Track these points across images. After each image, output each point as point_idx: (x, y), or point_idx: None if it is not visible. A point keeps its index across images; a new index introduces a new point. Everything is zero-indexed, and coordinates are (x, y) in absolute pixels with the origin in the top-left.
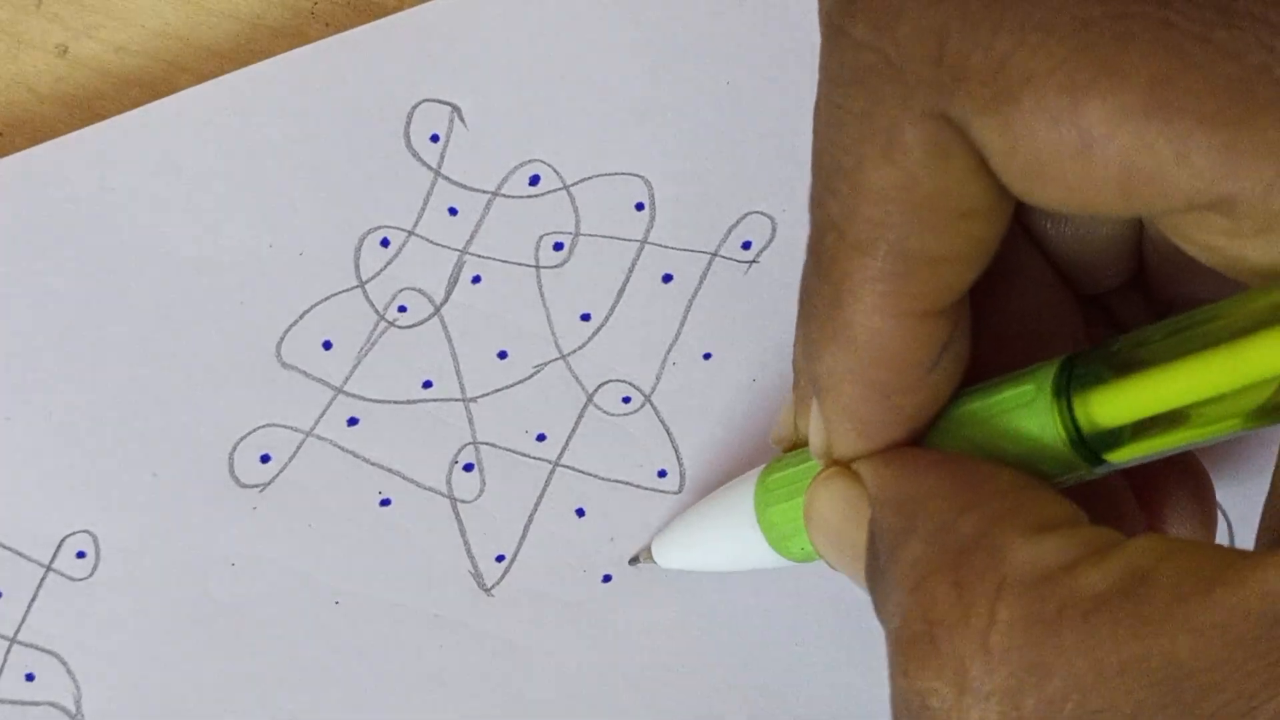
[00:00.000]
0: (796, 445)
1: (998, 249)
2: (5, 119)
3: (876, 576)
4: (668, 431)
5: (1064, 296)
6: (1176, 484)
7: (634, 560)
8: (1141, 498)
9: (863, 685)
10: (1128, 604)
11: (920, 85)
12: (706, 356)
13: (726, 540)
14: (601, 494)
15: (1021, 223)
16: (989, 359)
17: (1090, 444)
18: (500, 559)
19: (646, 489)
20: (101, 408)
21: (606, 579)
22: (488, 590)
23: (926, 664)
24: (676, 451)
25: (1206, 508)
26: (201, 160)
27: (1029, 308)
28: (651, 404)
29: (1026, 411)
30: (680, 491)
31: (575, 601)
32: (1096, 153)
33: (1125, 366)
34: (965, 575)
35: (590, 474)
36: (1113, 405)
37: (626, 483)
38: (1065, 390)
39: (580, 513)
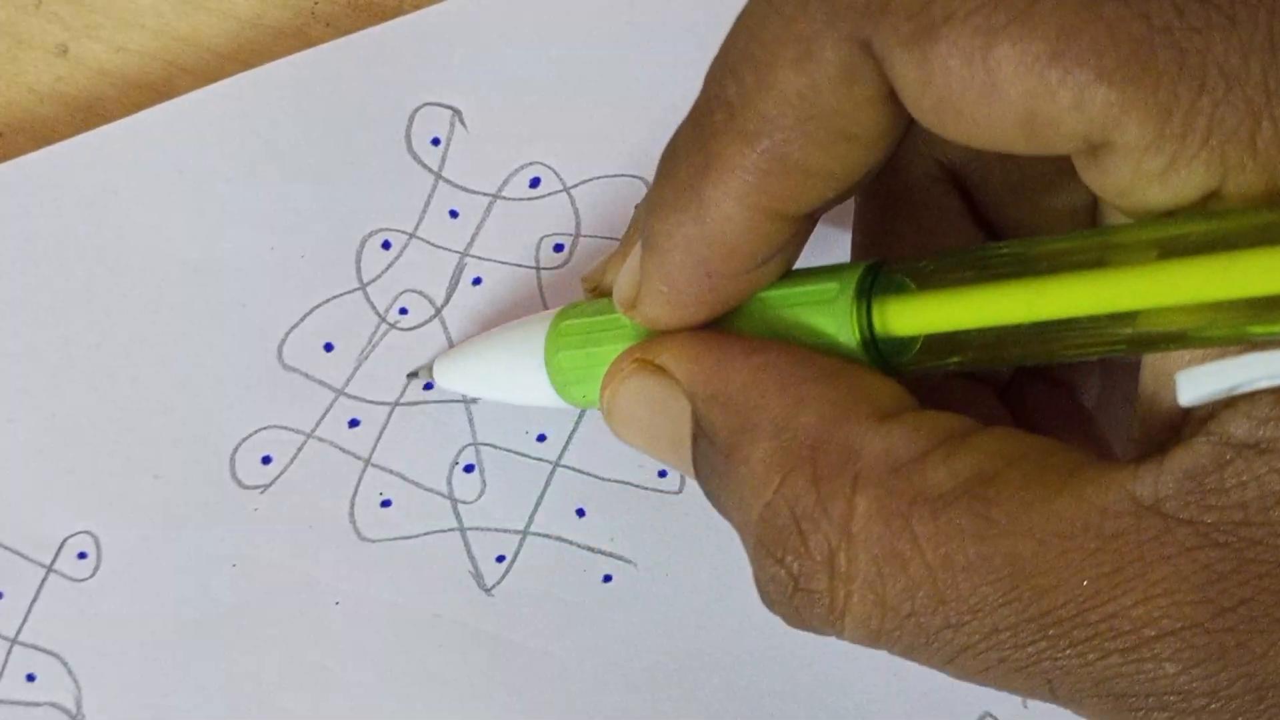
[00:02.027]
0: (602, 292)
1: (860, 181)
2: (5, 119)
3: (715, 472)
4: None
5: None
6: (1048, 420)
7: (413, 374)
8: (1005, 395)
9: (862, 685)
10: (974, 505)
11: (848, 9)
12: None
13: (510, 374)
14: (601, 494)
15: (977, 199)
16: None
17: (883, 350)
18: (500, 559)
19: (646, 489)
20: (103, 409)
21: (606, 579)
22: (488, 590)
23: (798, 553)
24: None
25: (1079, 418)
26: (204, 163)
27: (939, 245)
28: None
29: (826, 309)
30: (680, 491)
31: (575, 601)
32: (1001, 94)
33: (928, 281)
34: (821, 470)
35: (590, 474)
36: (908, 316)
37: (626, 483)
38: (867, 294)
39: (580, 513)
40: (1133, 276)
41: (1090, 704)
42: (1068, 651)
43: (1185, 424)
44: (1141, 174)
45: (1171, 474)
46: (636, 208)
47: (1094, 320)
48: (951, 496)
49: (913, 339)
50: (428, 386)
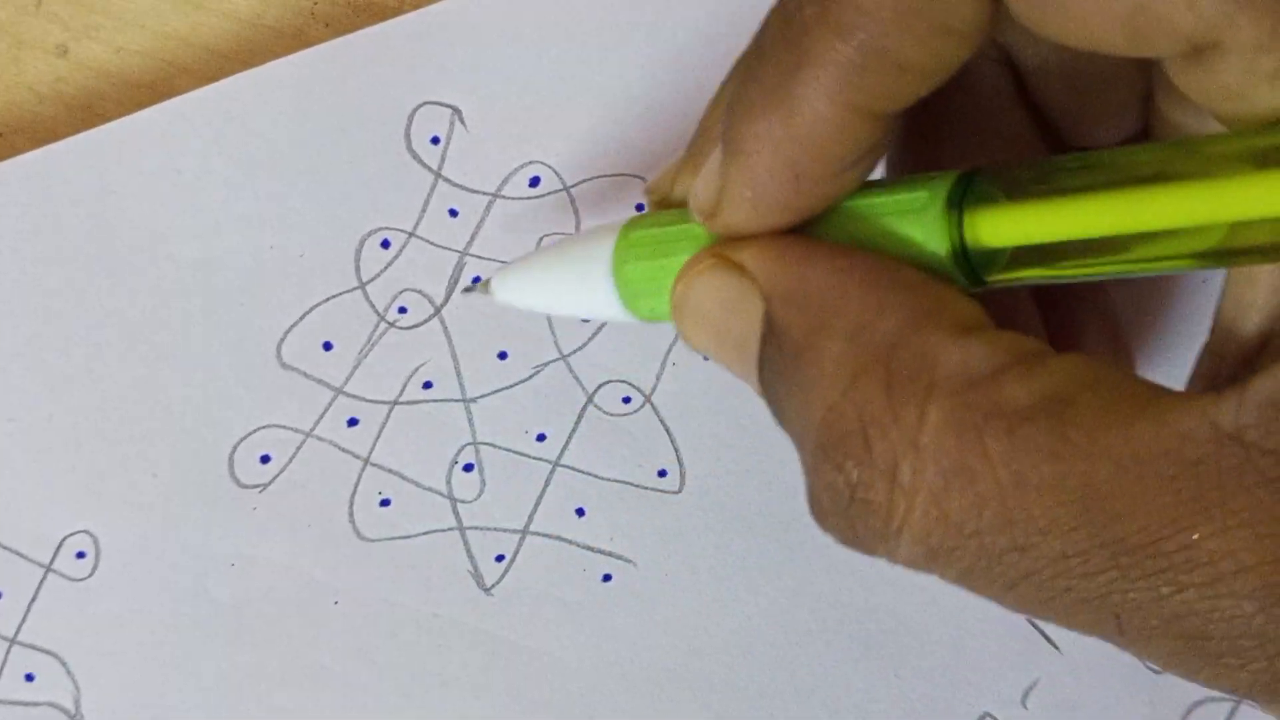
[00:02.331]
0: (667, 204)
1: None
2: (5, 119)
3: (781, 374)
4: (668, 431)
5: (1038, 151)
6: (1088, 315)
7: (468, 289)
8: (1049, 318)
9: (863, 685)
10: (1052, 424)
11: None
12: (706, 356)
13: (575, 286)
14: (601, 494)
15: (1016, 73)
16: None
17: (972, 261)
18: (500, 559)
19: (646, 489)
20: (102, 409)
21: (606, 579)
22: (487, 590)
23: (860, 459)
24: (676, 451)
25: (1116, 342)
26: (203, 163)
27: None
28: (651, 404)
29: (916, 218)
30: (680, 491)
31: (575, 601)
32: None
33: (1020, 190)
34: (895, 375)
35: (590, 474)
36: (1001, 226)
37: (626, 482)
38: (959, 203)
39: (580, 512)
40: (1240, 185)
41: (1159, 644)
42: (1139, 583)
43: (1265, 353)
44: (1252, 75)
45: (1254, 402)
46: (705, 113)
47: (1189, 231)
48: (1028, 413)
49: (1001, 251)
50: (427, 385)
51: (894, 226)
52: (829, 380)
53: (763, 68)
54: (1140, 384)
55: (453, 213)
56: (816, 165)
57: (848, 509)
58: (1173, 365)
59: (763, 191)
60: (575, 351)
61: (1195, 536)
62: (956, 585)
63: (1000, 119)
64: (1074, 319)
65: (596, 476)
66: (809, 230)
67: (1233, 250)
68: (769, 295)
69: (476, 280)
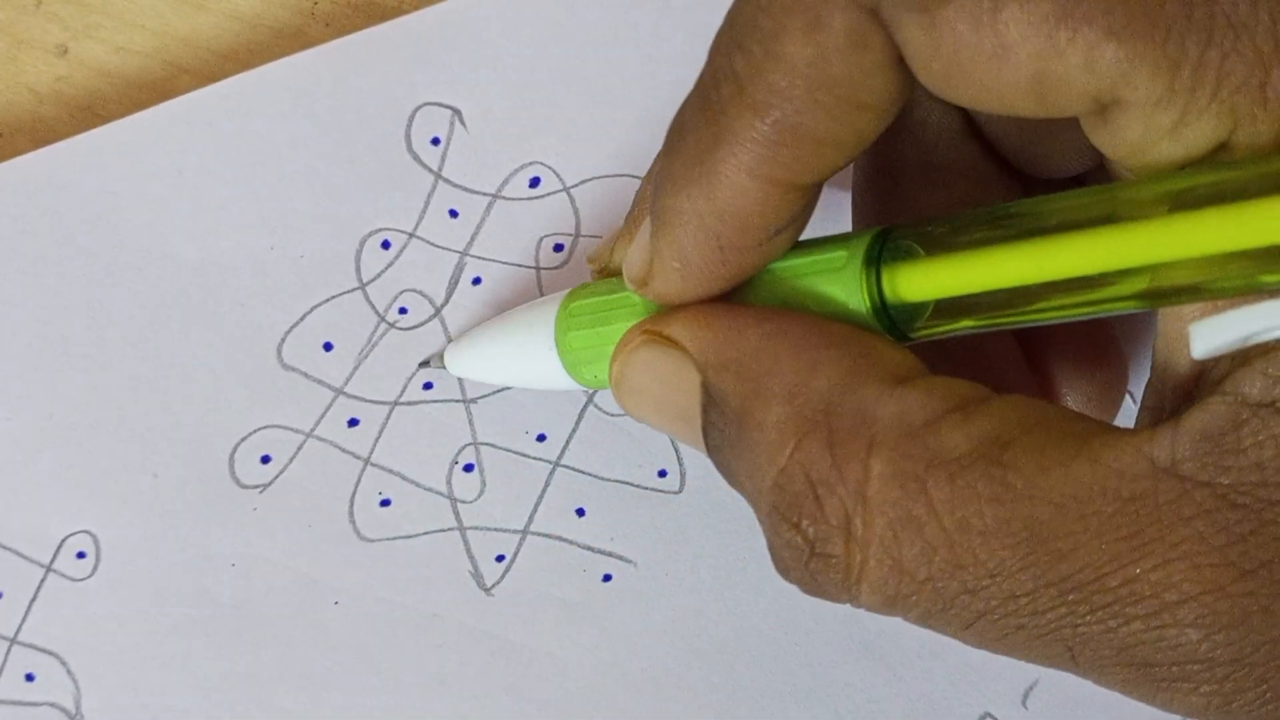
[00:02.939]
0: (609, 272)
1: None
2: (5, 119)
3: (726, 441)
4: None
5: (997, 184)
6: (1077, 356)
7: (424, 363)
8: (1035, 362)
9: (863, 685)
10: (991, 469)
11: None
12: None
13: (520, 357)
14: (601, 494)
15: (970, 118)
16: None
17: (894, 316)
18: (500, 559)
19: (646, 489)
20: (102, 409)
21: (606, 579)
22: (487, 590)
23: (815, 517)
24: (676, 451)
25: (1107, 385)
26: (203, 163)
27: (958, 197)
28: None
29: (836, 277)
30: (681, 491)
31: (575, 601)
32: (1010, 56)
33: (936, 245)
34: (836, 433)
35: (590, 474)
36: (918, 281)
37: (626, 483)
38: (876, 260)
39: (580, 512)
40: (1144, 231)
41: (1113, 673)
42: (1088, 618)
43: (1200, 386)
44: (1152, 130)
45: (1188, 435)
46: (641, 185)
47: (1107, 277)
48: (967, 460)
49: (923, 304)
50: (427, 386)
51: (817, 287)
52: (773, 445)
53: (684, 143)
54: (1079, 422)
55: (453, 213)
56: (740, 237)
57: (808, 564)
58: None
59: (690, 262)
60: None
61: (1138, 571)
62: (919, 626)
63: (954, 157)
64: (1051, 342)
65: (597, 477)
66: (739, 295)
67: (1158, 292)
68: (703, 365)
69: (427, 361)
